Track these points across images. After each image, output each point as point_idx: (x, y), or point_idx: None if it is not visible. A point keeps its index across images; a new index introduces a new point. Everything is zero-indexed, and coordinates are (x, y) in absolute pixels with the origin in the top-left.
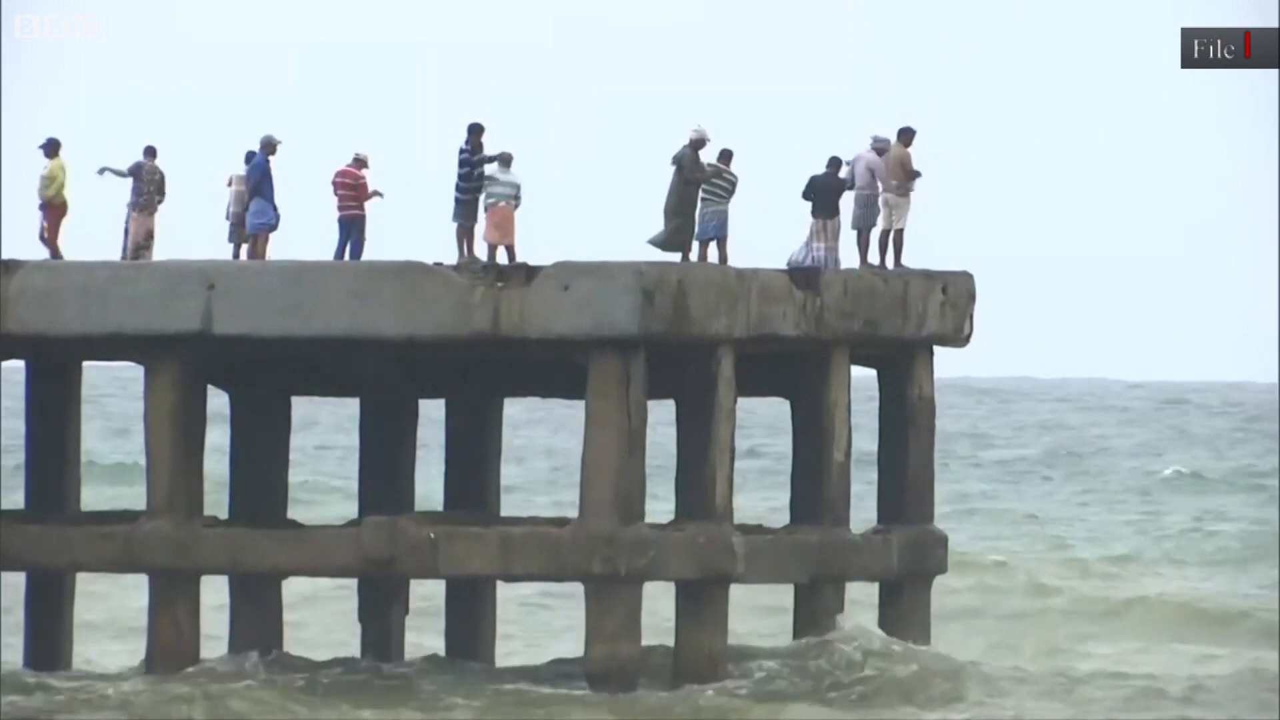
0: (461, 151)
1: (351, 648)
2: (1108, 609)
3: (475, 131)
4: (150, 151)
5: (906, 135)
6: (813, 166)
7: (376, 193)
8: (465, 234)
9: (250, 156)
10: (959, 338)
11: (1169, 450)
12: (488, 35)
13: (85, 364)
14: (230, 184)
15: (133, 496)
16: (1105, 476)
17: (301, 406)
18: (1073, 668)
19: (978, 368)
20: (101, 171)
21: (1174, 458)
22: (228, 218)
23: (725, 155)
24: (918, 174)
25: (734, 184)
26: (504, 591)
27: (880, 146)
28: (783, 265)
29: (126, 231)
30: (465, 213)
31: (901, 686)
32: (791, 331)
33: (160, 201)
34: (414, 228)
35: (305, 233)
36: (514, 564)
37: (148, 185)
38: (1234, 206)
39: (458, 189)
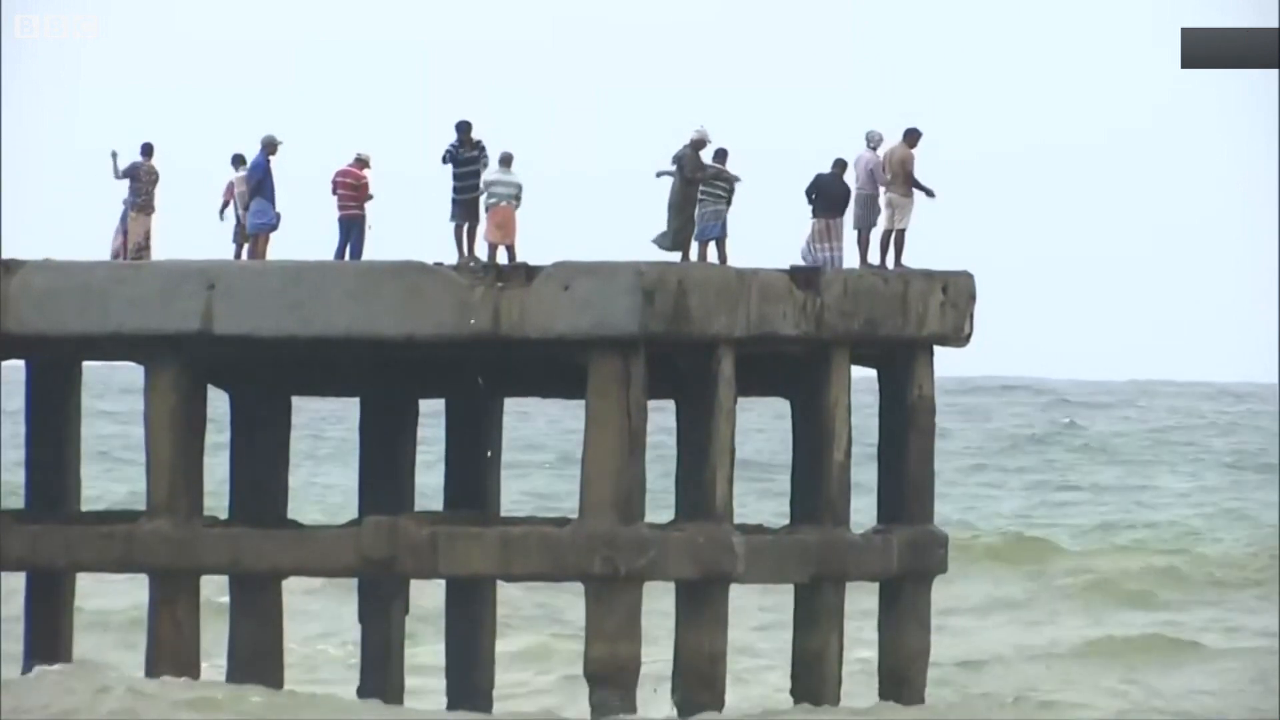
0: (453, 150)
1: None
2: None
3: (464, 129)
4: (147, 150)
5: (911, 137)
6: (814, 166)
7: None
8: (465, 234)
9: (237, 159)
10: (959, 338)
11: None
12: (488, 35)
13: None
14: (231, 192)
15: None
16: None
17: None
18: None
19: (978, 368)
20: (113, 154)
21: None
22: (237, 220)
23: (720, 154)
24: (924, 189)
25: (733, 184)
26: None
27: (875, 142)
28: (783, 265)
29: (125, 231)
30: (464, 213)
31: None
32: (791, 331)
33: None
34: (414, 228)
35: (305, 233)
36: (514, 564)
37: (145, 185)
38: (1234, 206)
39: (454, 190)
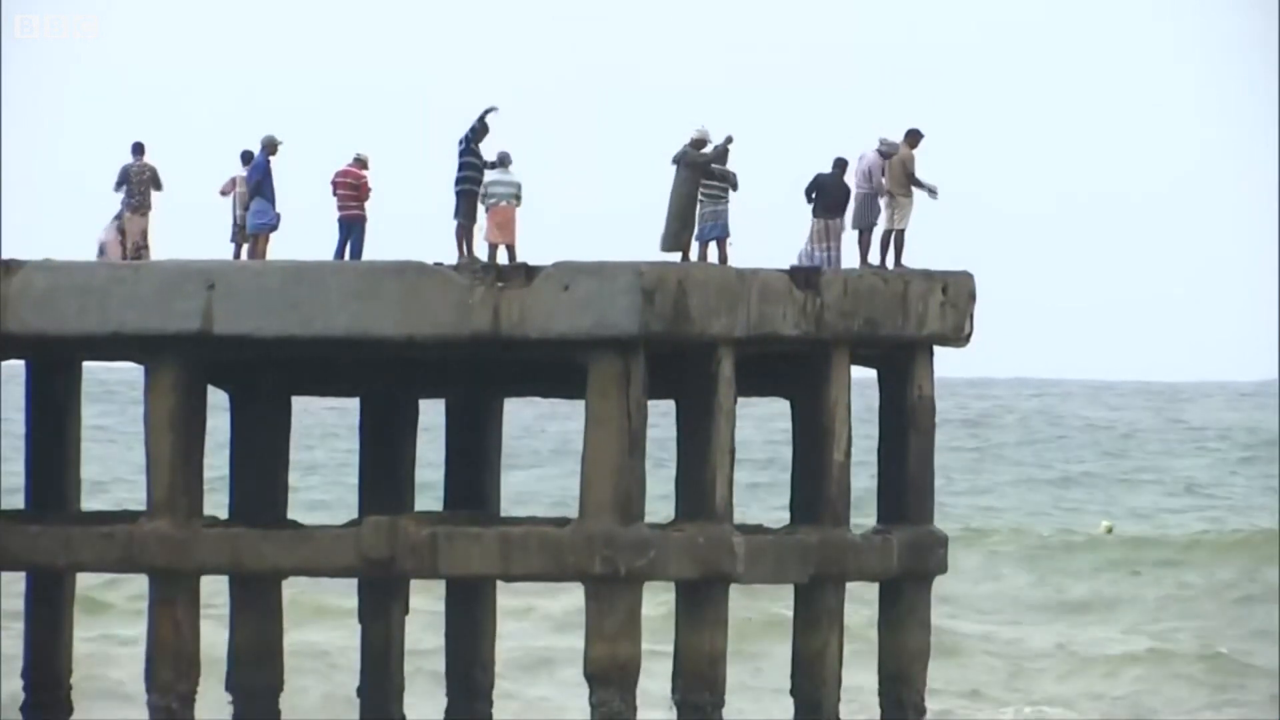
0: (462, 141)
1: None
2: None
3: (482, 130)
4: (138, 148)
5: (913, 137)
6: (815, 167)
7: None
8: (465, 234)
9: (247, 157)
10: (959, 338)
11: None
12: (488, 35)
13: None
14: (234, 186)
15: None
16: None
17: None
18: None
19: (978, 368)
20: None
21: None
22: (235, 220)
23: (722, 149)
24: (926, 187)
25: (733, 182)
26: None
27: (887, 151)
28: (783, 265)
29: (119, 229)
30: (466, 210)
31: None
32: (791, 331)
33: (158, 191)
34: (414, 228)
35: (305, 233)
36: (514, 564)
37: (138, 185)
38: (1234, 207)
39: (457, 181)
